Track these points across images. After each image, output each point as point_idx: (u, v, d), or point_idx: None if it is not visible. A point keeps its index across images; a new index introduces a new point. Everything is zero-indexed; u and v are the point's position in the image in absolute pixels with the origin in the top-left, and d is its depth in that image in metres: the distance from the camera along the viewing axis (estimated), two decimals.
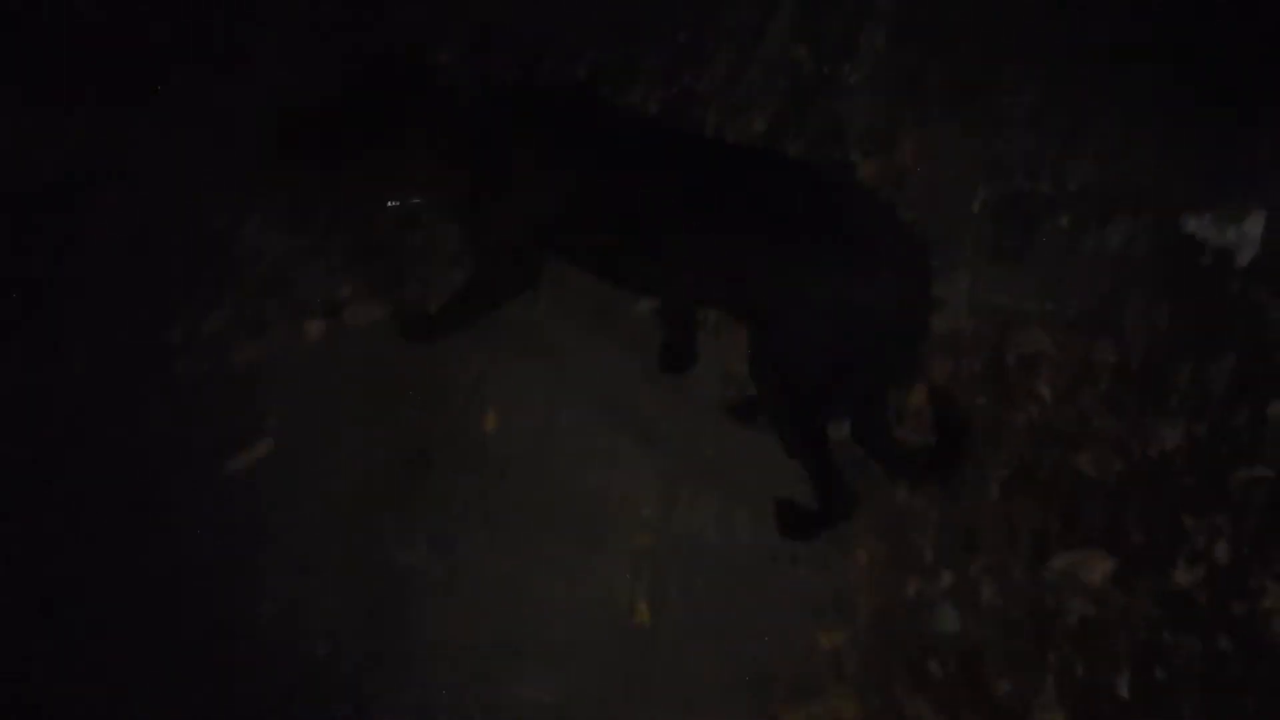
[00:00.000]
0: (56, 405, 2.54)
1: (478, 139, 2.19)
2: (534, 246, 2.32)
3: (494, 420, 2.51)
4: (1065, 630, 2.25)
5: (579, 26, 3.21)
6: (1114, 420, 2.56)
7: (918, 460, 2.35)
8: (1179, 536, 2.38)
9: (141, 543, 2.36)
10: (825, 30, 3.26)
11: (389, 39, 3.04)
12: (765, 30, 3.27)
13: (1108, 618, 2.27)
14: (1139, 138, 3.11)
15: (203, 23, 3.12)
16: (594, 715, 2.19)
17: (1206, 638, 2.25)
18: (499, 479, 2.44)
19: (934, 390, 2.45)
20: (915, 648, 2.23)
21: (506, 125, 2.19)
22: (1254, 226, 2.91)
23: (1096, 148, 3.07)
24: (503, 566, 2.33)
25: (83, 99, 3.01)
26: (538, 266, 2.40)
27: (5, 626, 2.31)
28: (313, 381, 2.54)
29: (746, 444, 2.45)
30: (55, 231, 2.82)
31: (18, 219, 2.84)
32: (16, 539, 2.39)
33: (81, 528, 2.39)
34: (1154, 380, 2.63)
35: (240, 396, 2.51)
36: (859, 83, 3.16)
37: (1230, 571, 2.33)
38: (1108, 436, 2.53)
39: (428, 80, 2.26)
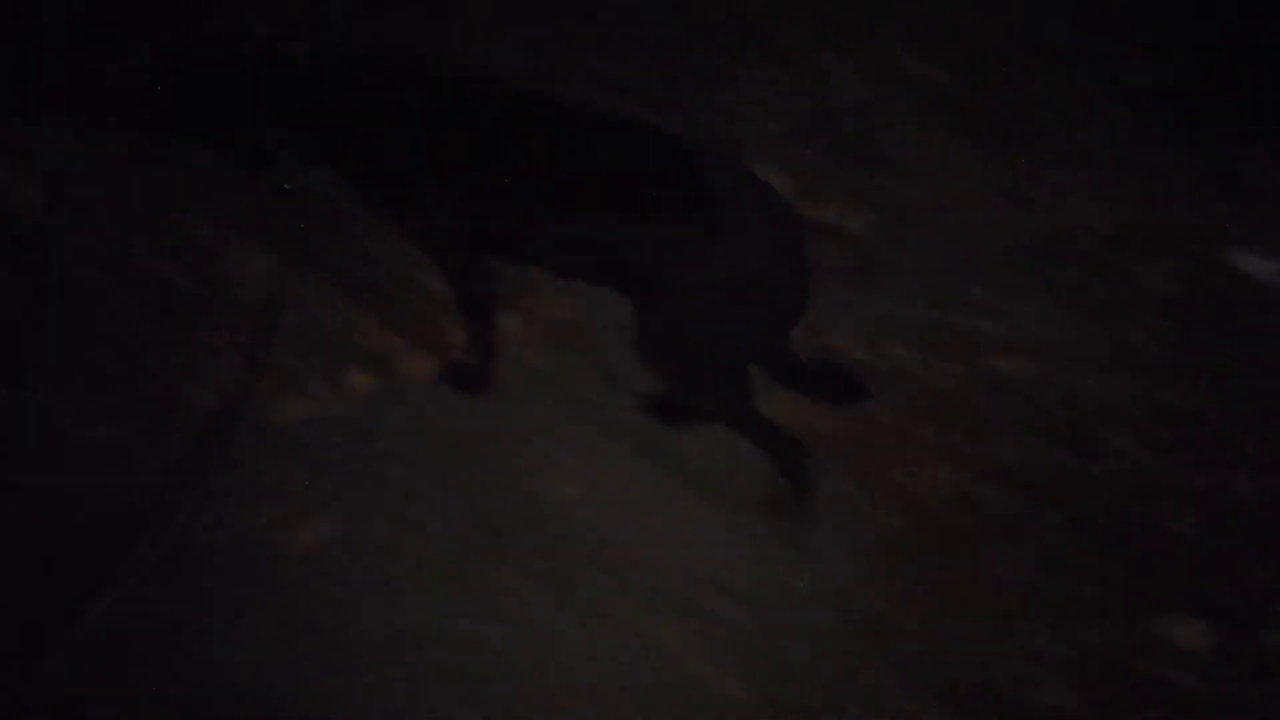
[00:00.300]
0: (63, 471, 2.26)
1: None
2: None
3: (553, 480, 2.33)
4: (1163, 700, 2.19)
5: (588, 33, 3.08)
6: (1189, 470, 2.52)
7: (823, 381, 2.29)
8: (1266, 594, 2.35)
9: (159, 642, 2.07)
10: (854, 50, 3.17)
11: (384, 39, 2.80)
12: (794, 47, 3.18)
13: (1204, 685, 2.21)
14: (1179, 170, 3.07)
15: (195, 27, 2.83)
16: None
17: None
18: (562, 541, 2.25)
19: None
20: None
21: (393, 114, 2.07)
22: None
23: (1134, 181, 3.02)
24: (573, 637, 2.14)
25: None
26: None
27: None
28: (365, 442, 2.31)
29: None
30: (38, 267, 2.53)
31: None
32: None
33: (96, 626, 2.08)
34: (1223, 426, 2.60)
35: (284, 461, 2.25)
36: (886, 103, 3.08)
37: None
38: (1184, 488, 2.49)
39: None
